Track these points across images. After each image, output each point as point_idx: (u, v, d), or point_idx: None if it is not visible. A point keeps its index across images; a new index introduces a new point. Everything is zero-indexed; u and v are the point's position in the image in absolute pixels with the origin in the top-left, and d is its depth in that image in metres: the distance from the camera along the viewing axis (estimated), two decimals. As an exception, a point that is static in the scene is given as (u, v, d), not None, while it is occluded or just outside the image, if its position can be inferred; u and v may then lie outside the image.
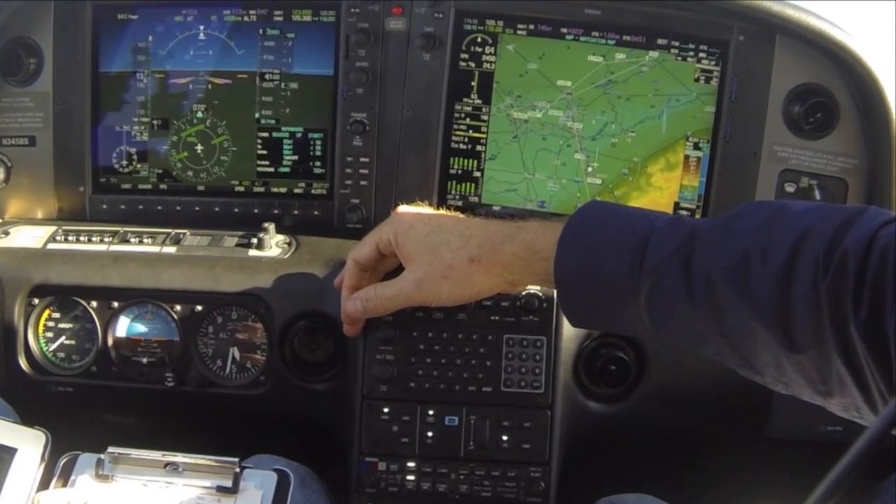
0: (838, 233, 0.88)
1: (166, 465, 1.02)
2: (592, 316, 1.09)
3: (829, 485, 0.50)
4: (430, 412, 1.35)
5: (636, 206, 1.12)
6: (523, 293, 1.35)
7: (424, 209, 1.25)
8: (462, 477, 1.35)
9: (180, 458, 1.02)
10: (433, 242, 1.16)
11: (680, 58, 1.47)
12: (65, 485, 1.01)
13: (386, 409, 1.35)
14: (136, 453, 1.03)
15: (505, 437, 1.35)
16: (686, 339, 1.03)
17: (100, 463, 1.02)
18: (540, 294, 1.35)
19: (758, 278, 0.91)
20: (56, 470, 1.02)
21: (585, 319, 1.11)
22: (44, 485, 1.01)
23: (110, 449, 1.03)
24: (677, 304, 0.97)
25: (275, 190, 1.56)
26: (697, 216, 1.50)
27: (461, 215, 1.21)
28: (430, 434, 1.34)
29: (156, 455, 1.03)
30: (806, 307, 0.88)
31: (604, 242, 1.02)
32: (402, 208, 1.25)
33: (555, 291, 1.36)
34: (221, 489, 1.01)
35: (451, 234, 1.15)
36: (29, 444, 1.02)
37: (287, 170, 1.56)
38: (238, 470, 1.02)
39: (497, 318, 1.35)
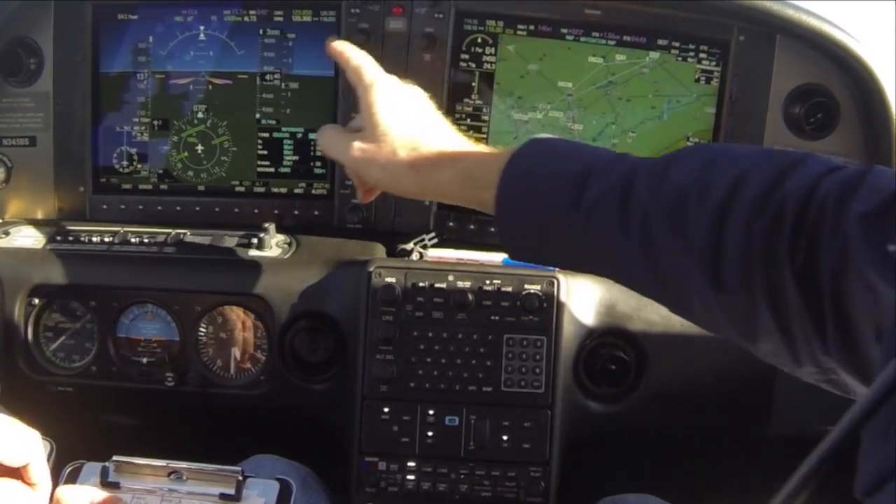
0: (778, 177, 0.88)
1: (170, 472, 1.03)
2: (532, 250, 1.08)
3: (803, 474, 0.48)
4: (431, 412, 1.35)
5: (582, 143, 1.10)
6: (523, 293, 1.35)
7: (411, 91, 1.18)
8: (462, 477, 1.35)
9: (184, 465, 1.03)
10: (394, 124, 1.11)
11: (680, 58, 1.47)
12: None
13: (386, 409, 1.35)
14: (139, 461, 1.03)
15: (505, 437, 1.35)
16: (620, 278, 1.04)
17: (104, 471, 1.02)
18: (540, 294, 1.35)
19: (693, 216, 0.91)
20: (61, 479, 1.02)
21: (524, 253, 1.10)
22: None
23: (115, 457, 1.03)
24: (613, 241, 0.97)
25: (275, 190, 1.56)
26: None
27: (438, 117, 1.15)
28: (430, 434, 1.35)
29: (160, 463, 1.03)
30: (737, 247, 0.88)
31: (547, 177, 1.01)
32: (388, 80, 1.18)
33: (556, 287, 1.36)
34: (225, 497, 1.02)
35: (413, 128, 1.11)
36: None
37: (287, 170, 1.56)
38: (241, 478, 1.02)
39: (497, 317, 1.35)
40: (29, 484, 0.95)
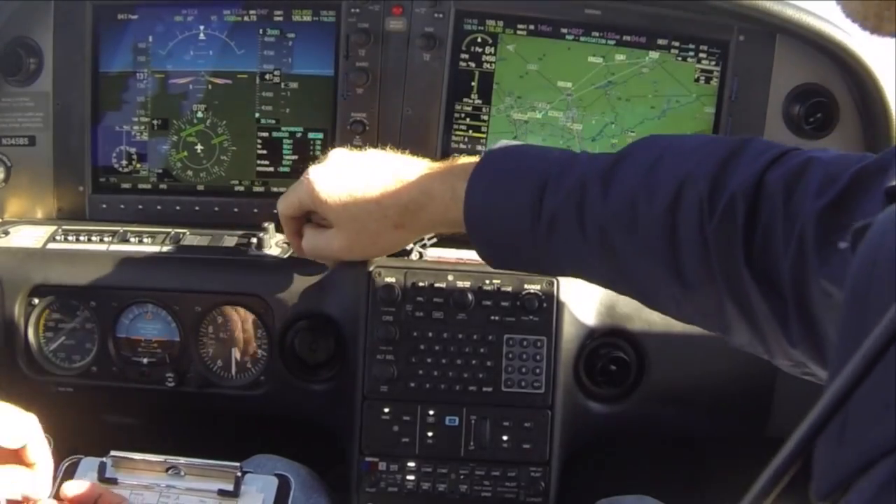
0: (720, 174, 0.90)
1: (168, 468, 1.03)
2: (509, 263, 1.15)
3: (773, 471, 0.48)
4: (431, 412, 1.35)
5: (537, 146, 1.15)
6: (523, 293, 1.35)
7: (338, 165, 1.19)
8: (462, 477, 1.35)
9: (182, 461, 1.03)
10: (353, 213, 1.16)
11: (680, 58, 1.47)
12: None
13: (386, 409, 1.35)
14: (137, 457, 1.03)
15: (505, 437, 1.35)
16: (593, 279, 1.09)
17: (102, 466, 1.02)
18: (540, 294, 1.35)
19: (644, 220, 0.94)
20: (59, 474, 1.02)
21: (504, 265, 1.16)
22: None
23: (112, 452, 1.03)
24: (577, 248, 1.01)
25: (275, 190, 1.56)
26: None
27: (379, 169, 1.16)
28: (430, 434, 1.35)
29: (157, 458, 1.03)
30: (693, 250, 0.90)
31: (506, 197, 1.05)
32: (314, 169, 1.19)
33: (556, 287, 1.36)
34: (223, 492, 1.01)
35: (370, 203, 1.15)
36: None
37: (287, 170, 1.55)
38: (239, 474, 1.02)
39: (497, 318, 1.35)
40: (28, 465, 0.95)
